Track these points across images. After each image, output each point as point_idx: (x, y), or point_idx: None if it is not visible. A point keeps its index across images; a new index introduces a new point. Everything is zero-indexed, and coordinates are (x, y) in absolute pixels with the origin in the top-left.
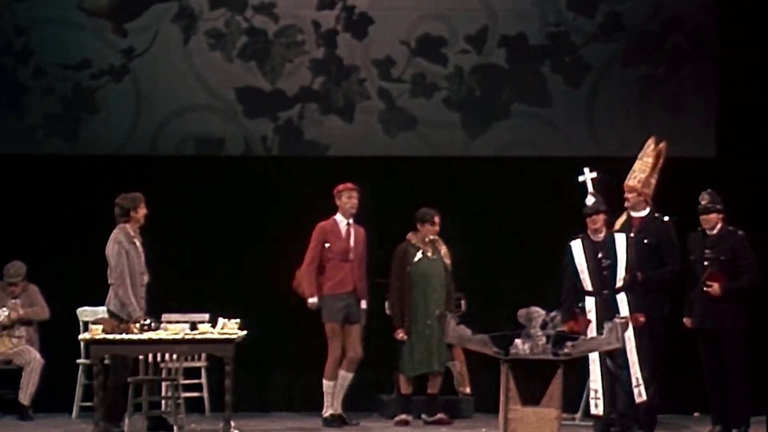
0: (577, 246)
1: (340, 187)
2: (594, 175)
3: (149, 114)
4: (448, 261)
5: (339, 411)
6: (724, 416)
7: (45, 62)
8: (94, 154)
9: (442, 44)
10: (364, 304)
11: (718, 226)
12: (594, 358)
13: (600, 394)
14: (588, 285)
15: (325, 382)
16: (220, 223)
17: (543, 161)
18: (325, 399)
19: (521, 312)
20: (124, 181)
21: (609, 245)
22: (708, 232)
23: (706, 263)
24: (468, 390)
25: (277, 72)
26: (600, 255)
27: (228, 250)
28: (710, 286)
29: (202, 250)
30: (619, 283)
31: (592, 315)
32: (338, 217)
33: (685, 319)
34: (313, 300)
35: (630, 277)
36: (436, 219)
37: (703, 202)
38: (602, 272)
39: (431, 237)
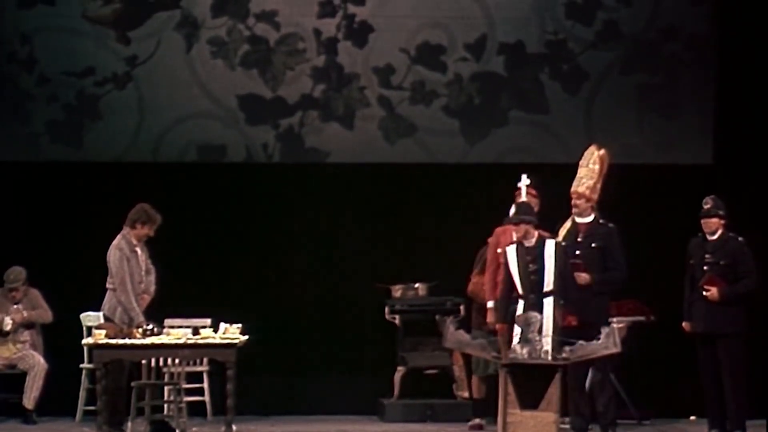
0: (511, 251)
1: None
2: (529, 182)
3: (152, 121)
4: None
5: None
6: (720, 420)
7: (49, 70)
8: (97, 161)
9: (441, 52)
10: None
11: (719, 231)
12: None
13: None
14: (519, 288)
15: None
16: (222, 229)
17: (542, 168)
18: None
19: (519, 317)
20: (127, 188)
21: (538, 251)
22: (709, 237)
23: (705, 268)
24: (466, 394)
25: (278, 79)
26: (529, 260)
27: (230, 256)
28: (708, 291)
29: (204, 255)
30: (547, 288)
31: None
32: None
33: (684, 323)
34: (490, 304)
35: (561, 282)
36: None
37: (705, 206)
38: (530, 276)
39: None
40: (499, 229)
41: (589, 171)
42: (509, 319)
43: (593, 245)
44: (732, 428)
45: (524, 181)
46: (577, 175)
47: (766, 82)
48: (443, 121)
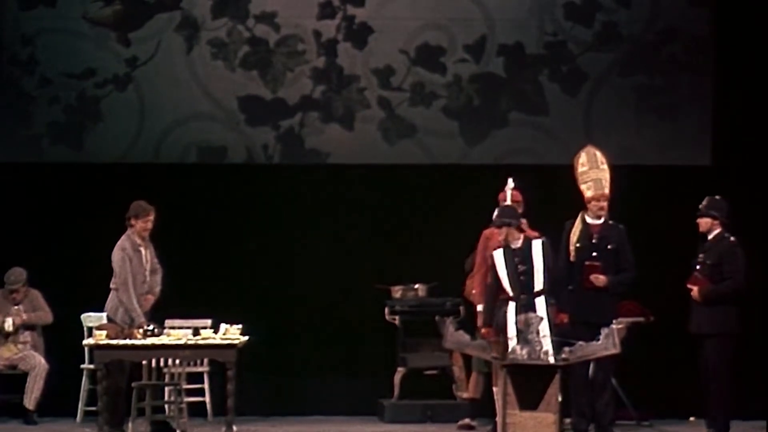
0: (498, 254)
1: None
2: (513, 185)
3: (152, 122)
4: None
5: None
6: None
7: (50, 72)
8: (98, 162)
9: (441, 53)
10: None
11: (715, 231)
12: None
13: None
14: (508, 290)
15: (495, 389)
16: (222, 229)
17: (541, 169)
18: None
19: (519, 317)
20: (128, 189)
21: (525, 252)
22: (708, 237)
23: (698, 267)
24: (466, 395)
25: (278, 81)
26: (517, 261)
27: (230, 257)
28: (691, 290)
29: (205, 256)
30: (537, 288)
31: (511, 319)
32: None
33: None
34: (479, 308)
35: (550, 281)
36: None
37: (700, 207)
38: (519, 278)
39: None
40: (486, 232)
41: (602, 172)
42: (497, 322)
43: (609, 247)
44: (718, 428)
45: (510, 184)
46: (592, 178)
47: (764, 84)
48: (443, 123)
